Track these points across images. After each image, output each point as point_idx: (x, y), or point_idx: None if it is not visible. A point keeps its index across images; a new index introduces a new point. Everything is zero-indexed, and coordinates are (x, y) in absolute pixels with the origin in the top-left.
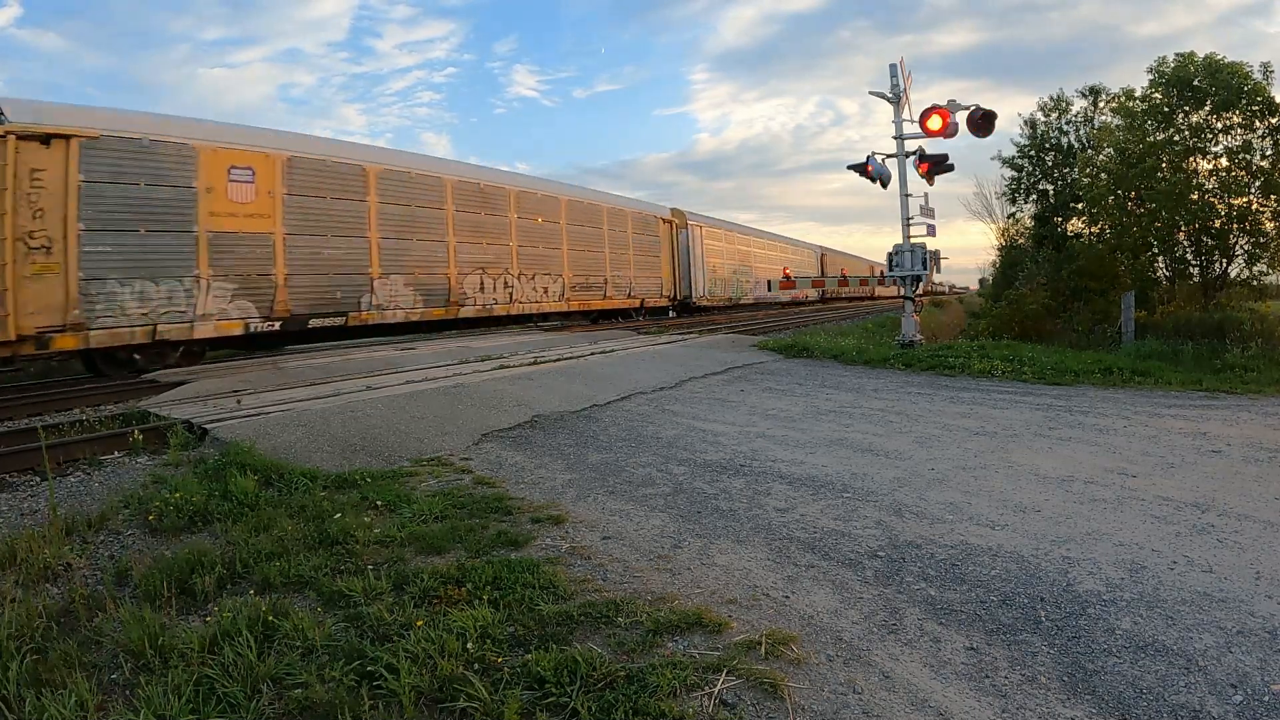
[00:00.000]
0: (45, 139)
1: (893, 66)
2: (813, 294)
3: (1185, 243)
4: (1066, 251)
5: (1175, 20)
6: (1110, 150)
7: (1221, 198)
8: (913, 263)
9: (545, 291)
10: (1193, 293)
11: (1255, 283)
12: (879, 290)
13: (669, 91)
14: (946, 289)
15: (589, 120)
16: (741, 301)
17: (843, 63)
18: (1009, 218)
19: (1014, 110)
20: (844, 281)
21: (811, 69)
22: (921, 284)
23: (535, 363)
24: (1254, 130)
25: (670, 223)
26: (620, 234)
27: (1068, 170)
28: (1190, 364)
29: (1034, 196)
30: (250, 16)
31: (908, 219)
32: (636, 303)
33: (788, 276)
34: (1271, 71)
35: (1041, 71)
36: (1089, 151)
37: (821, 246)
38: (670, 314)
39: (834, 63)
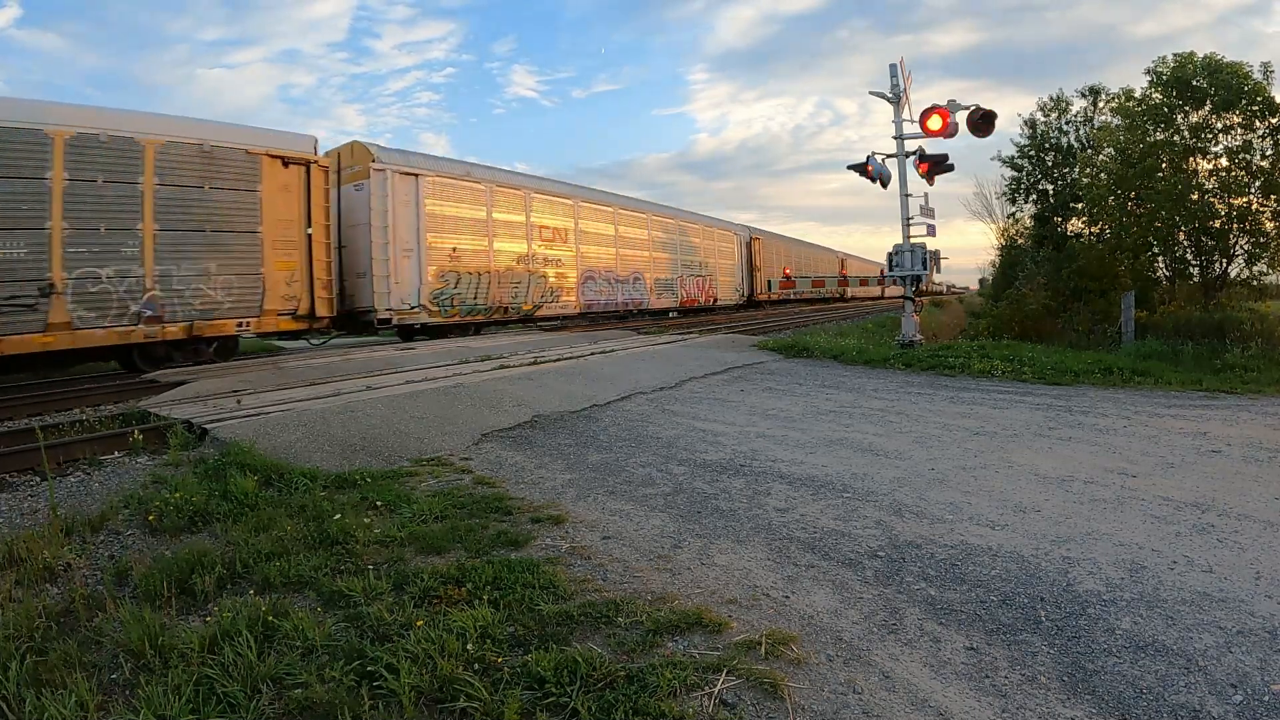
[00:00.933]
0: None
1: (893, 66)
2: (726, 299)
3: (1185, 243)
4: (1066, 251)
5: (1173, 20)
6: (1110, 150)
7: (1221, 198)
8: (913, 262)
9: None
10: (1193, 293)
11: (1255, 283)
12: (856, 291)
13: (668, 92)
14: (944, 289)
15: (588, 120)
16: (540, 313)
17: (841, 63)
18: (1009, 218)
19: (1013, 110)
20: (749, 280)
21: (810, 69)
22: (920, 284)
23: (535, 363)
24: (1254, 130)
25: (309, 165)
26: (94, 187)
27: (1068, 170)
28: (1190, 364)
29: (1034, 196)
30: (249, 17)
31: (908, 219)
32: (153, 334)
33: (787, 276)
34: (1271, 71)
35: (1040, 71)
36: (1089, 151)
37: (753, 228)
38: (314, 338)
39: (832, 63)
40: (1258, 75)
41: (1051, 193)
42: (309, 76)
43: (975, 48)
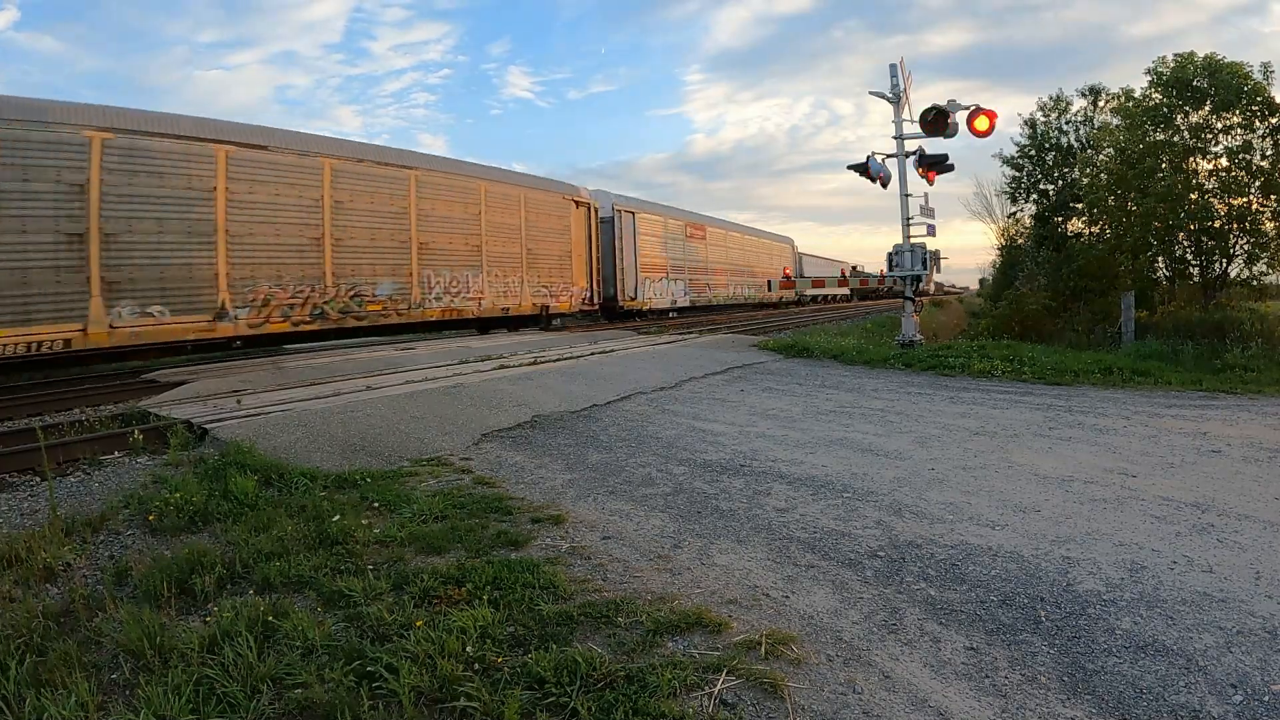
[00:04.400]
0: None
1: (893, 66)
2: (785, 296)
3: (1185, 243)
4: (1066, 251)
5: (1169, 20)
6: (1110, 150)
7: (1221, 198)
8: (913, 262)
9: None
10: (1193, 293)
11: (1255, 283)
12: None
13: (663, 93)
14: (933, 288)
15: (584, 121)
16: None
17: (836, 63)
18: (1009, 218)
19: (1012, 110)
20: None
21: (805, 69)
22: (920, 284)
23: (535, 363)
24: (1254, 130)
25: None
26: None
27: (1068, 170)
28: (1190, 364)
29: (1034, 196)
30: (246, 19)
31: (908, 219)
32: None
33: (788, 276)
34: (1271, 71)
35: (1037, 71)
36: (1089, 151)
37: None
38: None
39: (827, 63)
40: (1257, 75)
41: (1052, 193)
42: (305, 78)
43: (971, 48)
